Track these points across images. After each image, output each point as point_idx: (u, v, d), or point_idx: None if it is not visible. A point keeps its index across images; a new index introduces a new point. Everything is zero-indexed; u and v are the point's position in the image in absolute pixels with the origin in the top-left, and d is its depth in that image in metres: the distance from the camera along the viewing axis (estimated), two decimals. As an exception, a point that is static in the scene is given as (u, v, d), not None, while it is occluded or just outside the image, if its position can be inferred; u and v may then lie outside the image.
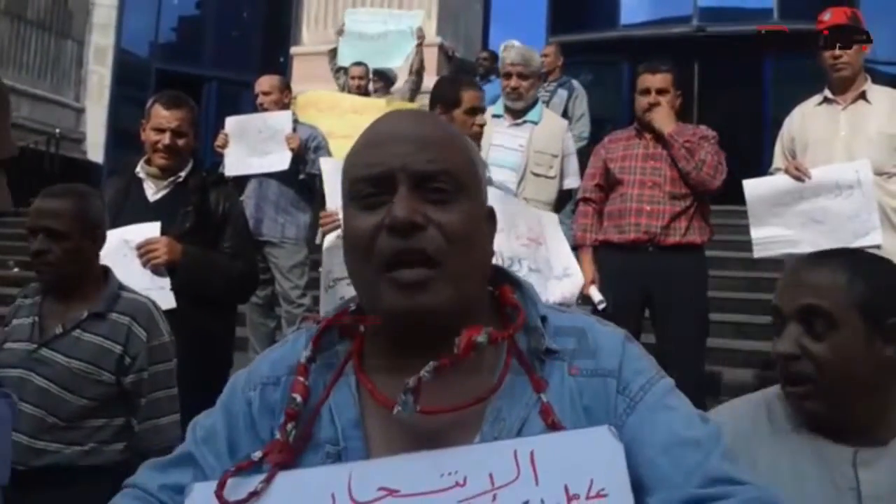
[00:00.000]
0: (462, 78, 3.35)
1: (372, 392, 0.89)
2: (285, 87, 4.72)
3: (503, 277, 1.00)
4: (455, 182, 0.88)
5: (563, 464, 0.80)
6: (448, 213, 0.87)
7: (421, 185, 0.86)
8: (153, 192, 2.79)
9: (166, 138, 2.75)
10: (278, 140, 4.14)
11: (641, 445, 0.85)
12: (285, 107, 4.52)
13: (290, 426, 0.87)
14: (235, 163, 4.20)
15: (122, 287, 2.23)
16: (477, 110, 2.85)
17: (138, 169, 2.84)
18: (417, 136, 0.89)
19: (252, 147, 4.18)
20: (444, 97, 2.86)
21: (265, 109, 4.50)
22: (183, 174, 2.80)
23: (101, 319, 2.13)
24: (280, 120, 4.22)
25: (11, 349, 2.16)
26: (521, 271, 2.53)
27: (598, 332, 0.95)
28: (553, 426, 0.86)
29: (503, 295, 0.96)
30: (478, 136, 2.89)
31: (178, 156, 2.79)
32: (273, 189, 4.37)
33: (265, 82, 4.65)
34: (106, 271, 2.26)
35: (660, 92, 3.48)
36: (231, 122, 4.30)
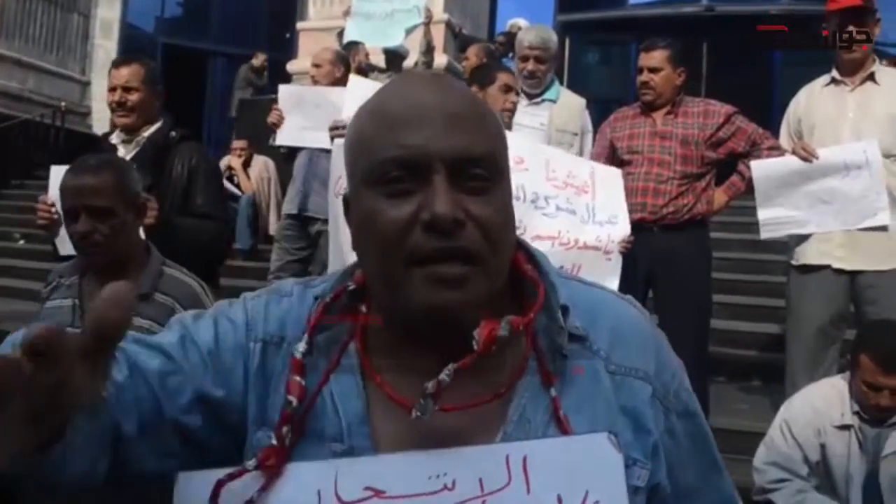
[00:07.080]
0: (496, 64, 3.46)
1: (389, 395, 0.81)
2: (338, 60, 4.46)
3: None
4: (495, 168, 0.78)
5: (557, 472, 0.76)
6: (487, 205, 0.77)
7: (458, 174, 0.76)
8: (122, 154, 2.78)
9: (116, 95, 2.77)
10: (335, 116, 4.00)
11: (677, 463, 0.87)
12: (338, 80, 4.26)
13: (285, 429, 0.80)
14: (287, 133, 4.05)
15: (164, 263, 2.09)
16: (510, 89, 3.12)
17: (112, 135, 2.88)
18: (452, 113, 0.78)
19: (307, 119, 4.02)
20: (481, 79, 3.18)
21: (316, 83, 4.34)
22: (146, 134, 2.79)
23: (147, 301, 1.98)
24: (341, 96, 4.08)
25: None
26: (548, 209, 2.50)
27: (625, 317, 0.88)
28: (559, 424, 0.80)
29: (518, 266, 0.85)
30: (509, 114, 3.15)
31: (133, 112, 2.78)
32: (323, 166, 4.20)
33: (316, 56, 4.46)
34: (147, 246, 2.11)
35: (653, 70, 3.45)
36: (285, 92, 4.11)
